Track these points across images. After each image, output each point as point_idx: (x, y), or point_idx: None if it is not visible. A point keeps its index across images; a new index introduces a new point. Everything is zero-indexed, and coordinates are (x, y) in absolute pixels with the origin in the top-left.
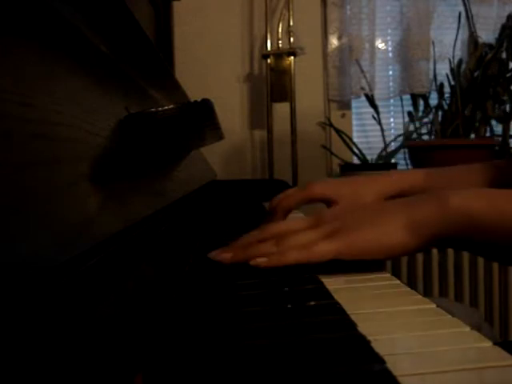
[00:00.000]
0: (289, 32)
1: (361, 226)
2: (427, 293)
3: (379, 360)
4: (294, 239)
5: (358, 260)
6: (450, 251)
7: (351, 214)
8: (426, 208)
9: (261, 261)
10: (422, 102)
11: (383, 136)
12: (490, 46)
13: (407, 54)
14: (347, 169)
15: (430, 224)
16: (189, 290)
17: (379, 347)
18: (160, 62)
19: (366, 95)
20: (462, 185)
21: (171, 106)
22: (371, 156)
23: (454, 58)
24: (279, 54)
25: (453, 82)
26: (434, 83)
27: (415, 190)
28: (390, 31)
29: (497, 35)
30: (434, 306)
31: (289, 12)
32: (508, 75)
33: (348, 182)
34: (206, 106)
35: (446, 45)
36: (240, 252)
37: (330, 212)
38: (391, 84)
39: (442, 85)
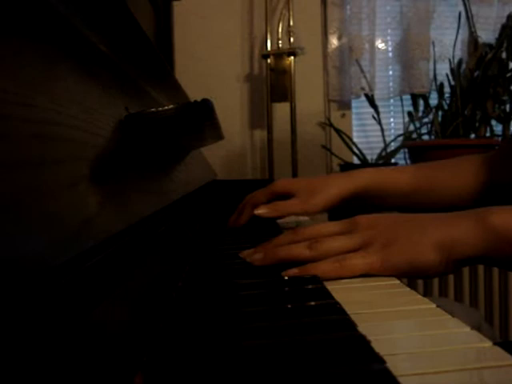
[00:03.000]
0: (289, 32)
1: (396, 241)
2: (427, 293)
3: (379, 360)
4: (327, 245)
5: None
6: None
7: (387, 224)
8: (464, 226)
9: (292, 272)
10: (422, 102)
11: (383, 136)
12: (490, 45)
13: (407, 54)
14: (347, 169)
15: (467, 242)
16: (189, 290)
17: (379, 347)
18: (160, 62)
19: (366, 95)
20: (448, 179)
21: (171, 106)
22: (371, 156)
23: (453, 58)
24: (279, 54)
25: (453, 82)
26: (434, 83)
27: (390, 186)
28: (389, 31)
29: (497, 35)
30: (434, 305)
31: (289, 12)
32: (508, 75)
33: (309, 179)
34: (205, 106)
35: (446, 45)
36: (271, 254)
37: (365, 218)
38: (391, 84)
39: (441, 85)
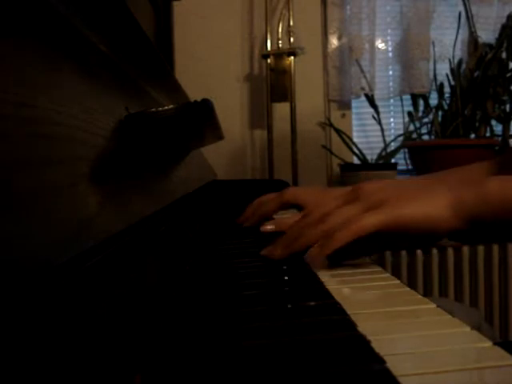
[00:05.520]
0: (289, 32)
1: (407, 199)
2: (427, 293)
3: (379, 360)
4: (337, 216)
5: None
6: (450, 251)
7: (394, 188)
8: (467, 190)
9: (314, 253)
10: (422, 102)
11: (383, 136)
12: (490, 45)
13: (407, 54)
14: (347, 169)
15: (471, 206)
16: (189, 290)
17: (379, 347)
18: (160, 62)
19: (366, 95)
20: None
21: (171, 106)
22: (371, 156)
23: (453, 58)
24: (279, 54)
25: (453, 82)
26: (434, 83)
27: None
28: (389, 31)
29: (497, 35)
30: (434, 306)
31: (289, 12)
32: (508, 75)
33: (319, 191)
34: (205, 106)
35: (446, 45)
36: (289, 247)
37: (368, 184)
38: (391, 84)
39: (441, 85)
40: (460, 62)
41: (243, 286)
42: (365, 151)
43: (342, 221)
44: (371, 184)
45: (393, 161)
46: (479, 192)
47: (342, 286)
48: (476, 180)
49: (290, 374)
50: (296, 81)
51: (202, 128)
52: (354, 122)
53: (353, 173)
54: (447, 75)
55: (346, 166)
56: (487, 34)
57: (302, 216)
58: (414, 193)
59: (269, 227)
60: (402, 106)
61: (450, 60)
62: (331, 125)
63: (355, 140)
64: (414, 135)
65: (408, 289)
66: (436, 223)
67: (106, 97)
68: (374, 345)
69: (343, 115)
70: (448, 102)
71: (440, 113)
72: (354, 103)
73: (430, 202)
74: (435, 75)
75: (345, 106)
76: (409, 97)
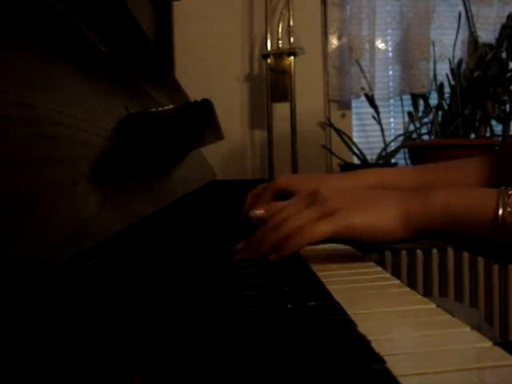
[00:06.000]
0: (289, 32)
1: (359, 209)
2: (427, 293)
3: (379, 360)
4: (294, 221)
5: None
6: (450, 251)
7: (347, 196)
8: (415, 202)
9: (272, 259)
10: (422, 102)
11: (383, 136)
12: (490, 45)
13: (407, 54)
14: (347, 169)
15: (417, 218)
16: (189, 290)
17: (379, 347)
18: (160, 62)
19: (366, 95)
20: (453, 182)
21: (171, 106)
22: (371, 156)
23: (453, 58)
24: (279, 54)
25: (453, 82)
26: (434, 83)
27: (395, 188)
28: (390, 31)
29: (497, 35)
30: (434, 306)
31: (289, 12)
32: (508, 75)
33: (314, 178)
34: (205, 106)
35: (446, 45)
36: (255, 252)
37: (325, 190)
38: (391, 84)
39: (441, 85)
40: (460, 62)
41: (243, 285)
42: (365, 151)
43: (297, 226)
44: (327, 192)
45: (393, 161)
46: (425, 205)
47: (342, 286)
48: (425, 192)
49: (290, 374)
50: (296, 81)
51: (202, 128)
52: (354, 122)
53: None
54: (447, 75)
55: (346, 166)
56: (487, 34)
57: (265, 221)
58: (365, 203)
59: (258, 212)
60: (402, 106)
61: (450, 60)
62: (331, 125)
63: (355, 140)
64: (414, 135)
65: (408, 289)
66: (384, 233)
67: (105, 97)
68: (374, 345)
69: (343, 115)
70: (448, 101)
71: (440, 113)
72: (354, 103)
73: (380, 213)
74: (435, 75)
75: (345, 106)
76: (409, 97)
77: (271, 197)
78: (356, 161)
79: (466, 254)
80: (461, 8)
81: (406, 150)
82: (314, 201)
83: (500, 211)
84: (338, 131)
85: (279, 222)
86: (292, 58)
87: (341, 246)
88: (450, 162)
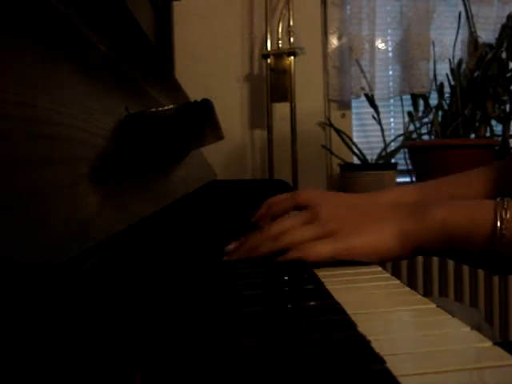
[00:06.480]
0: (289, 32)
1: (358, 230)
2: (427, 293)
3: (379, 360)
4: (293, 235)
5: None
6: None
7: (348, 215)
8: (412, 220)
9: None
10: (422, 102)
11: (383, 136)
12: (490, 45)
13: (407, 54)
14: (347, 169)
15: (414, 237)
16: (189, 290)
17: (379, 347)
18: (160, 62)
19: (366, 95)
20: (459, 194)
21: (171, 106)
22: (371, 156)
23: (453, 58)
24: (279, 54)
25: (453, 82)
26: (434, 83)
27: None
28: (390, 31)
29: (497, 35)
30: (434, 306)
31: (289, 12)
32: (508, 75)
33: (333, 196)
34: (205, 106)
35: (446, 45)
36: (246, 254)
37: (326, 210)
38: (391, 84)
39: (441, 85)
40: (460, 62)
41: (243, 285)
42: (365, 151)
43: (293, 241)
44: (328, 210)
45: (393, 161)
46: (422, 223)
47: (342, 286)
48: (422, 209)
49: (290, 374)
50: (296, 81)
51: (202, 128)
52: (354, 122)
53: (353, 173)
54: (447, 75)
55: (346, 166)
56: (487, 34)
57: (261, 229)
58: (364, 223)
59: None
60: (402, 106)
61: (450, 60)
62: (331, 125)
63: (355, 140)
64: (414, 135)
65: (408, 289)
66: (382, 253)
67: (105, 97)
68: (374, 345)
69: (343, 115)
70: (448, 101)
71: (440, 113)
72: (354, 103)
73: (378, 234)
74: (435, 75)
75: (345, 106)
76: (409, 97)
77: (290, 208)
78: (356, 161)
79: None
80: (461, 8)
81: (406, 150)
82: (313, 218)
83: (498, 224)
84: (338, 131)
85: (276, 234)
86: (292, 58)
87: None
88: (451, 175)
